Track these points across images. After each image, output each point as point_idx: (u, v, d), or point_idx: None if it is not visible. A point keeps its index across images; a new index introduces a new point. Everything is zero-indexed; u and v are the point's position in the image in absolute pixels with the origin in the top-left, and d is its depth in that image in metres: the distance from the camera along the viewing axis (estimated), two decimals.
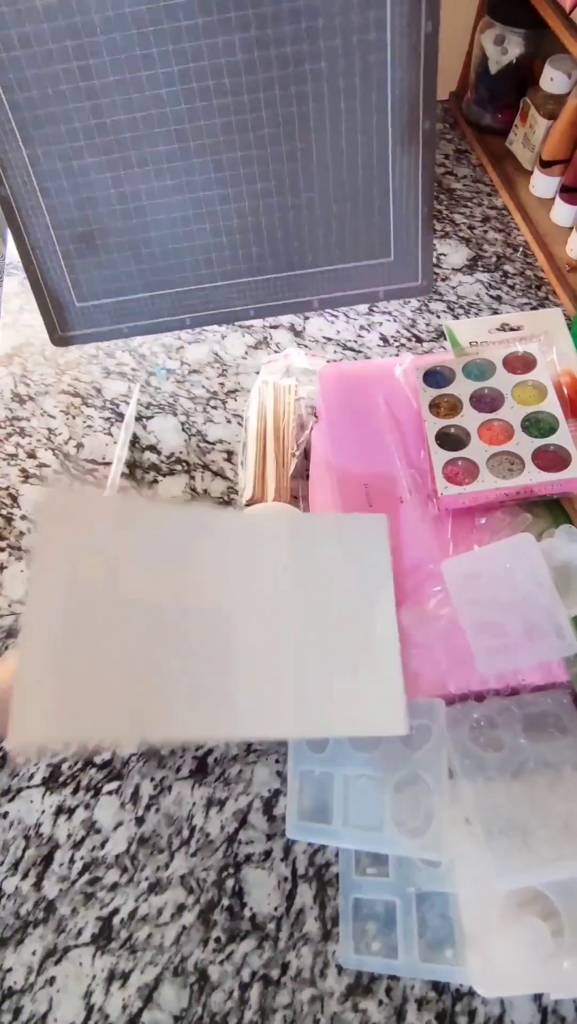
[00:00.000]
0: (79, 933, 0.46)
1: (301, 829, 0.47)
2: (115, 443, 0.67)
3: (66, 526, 0.45)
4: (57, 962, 0.45)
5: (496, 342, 0.70)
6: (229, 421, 0.69)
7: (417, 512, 0.59)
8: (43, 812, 0.50)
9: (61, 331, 0.72)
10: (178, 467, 0.66)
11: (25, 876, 0.48)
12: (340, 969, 0.44)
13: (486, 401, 0.65)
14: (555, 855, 0.43)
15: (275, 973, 0.44)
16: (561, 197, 0.80)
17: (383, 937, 0.45)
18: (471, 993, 0.43)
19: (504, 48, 0.83)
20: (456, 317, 0.75)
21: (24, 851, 0.49)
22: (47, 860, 0.48)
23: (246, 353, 0.73)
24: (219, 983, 0.44)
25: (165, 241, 0.66)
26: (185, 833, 0.49)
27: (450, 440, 0.63)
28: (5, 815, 0.50)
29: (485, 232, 0.83)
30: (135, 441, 0.67)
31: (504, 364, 0.66)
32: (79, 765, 0.51)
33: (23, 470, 0.66)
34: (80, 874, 0.48)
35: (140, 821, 0.50)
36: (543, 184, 0.83)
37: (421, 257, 0.57)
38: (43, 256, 0.66)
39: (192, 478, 0.65)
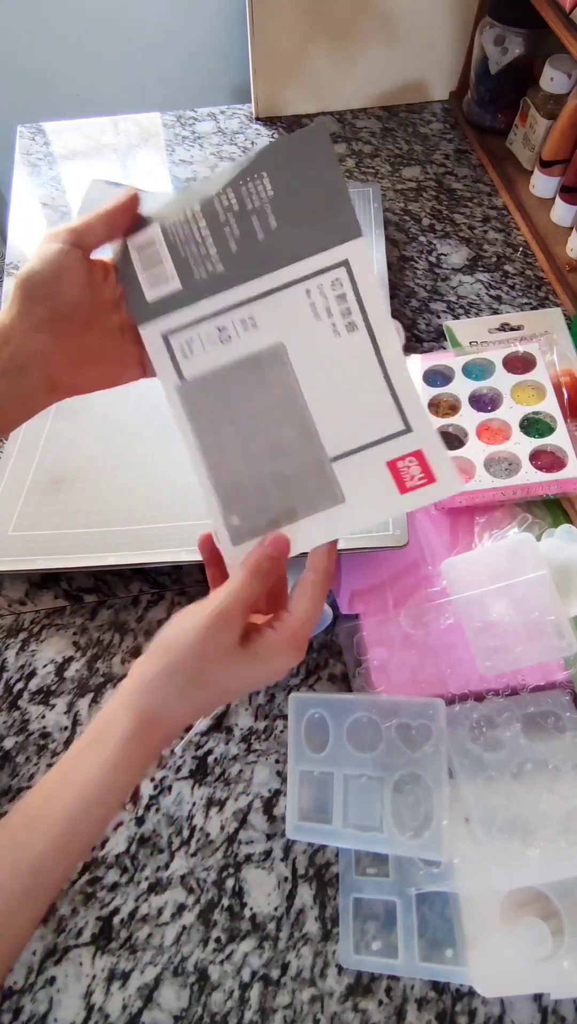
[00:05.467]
0: (79, 933, 0.46)
1: (301, 829, 0.47)
2: None
3: None
4: (57, 962, 0.45)
5: (496, 342, 0.70)
6: None
7: (416, 512, 0.59)
8: None
9: None
10: None
11: None
12: (340, 969, 0.44)
13: (485, 401, 0.65)
14: (555, 855, 0.44)
15: (275, 973, 0.44)
16: (561, 197, 0.80)
17: (383, 937, 0.45)
18: (471, 993, 0.43)
19: (504, 48, 0.83)
20: (456, 317, 0.75)
21: None
22: None
23: None
24: (219, 983, 0.44)
25: None
26: (185, 833, 0.49)
27: (448, 439, 0.63)
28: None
29: (485, 232, 0.83)
30: None
31: (504, 364, 0.66)
32: None
33: None
34: (80, 874, 0.48)
35: (140, 821, 0.50)
36: (543, 184, 0.83)
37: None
38: None
39: None
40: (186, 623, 0.35)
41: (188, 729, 0.53)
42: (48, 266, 0.36)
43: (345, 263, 0.36)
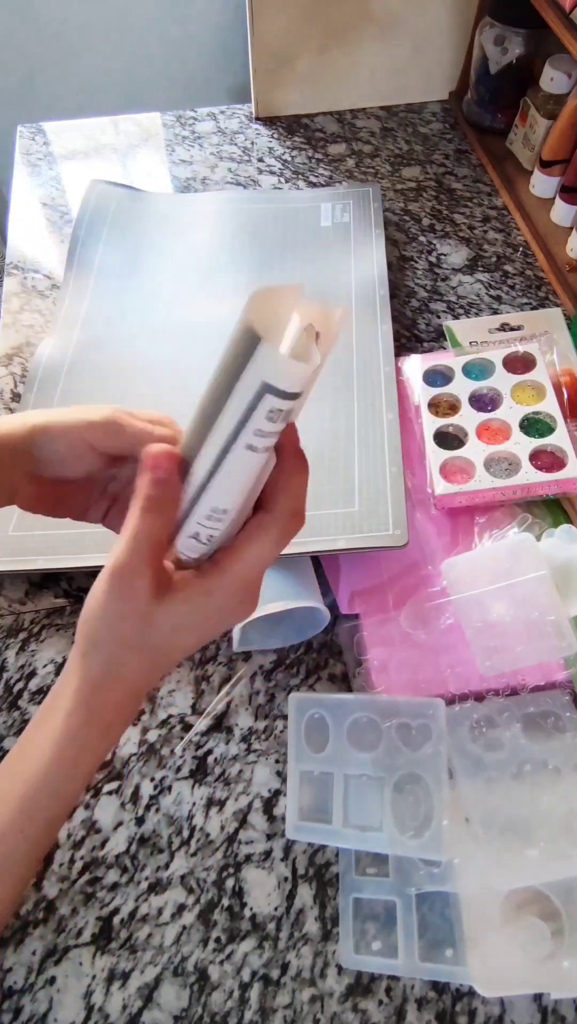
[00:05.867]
0: (79, 933, 0.46)
1: (301, 829, 0.47)
2: None
3: None
4: (57, 962, 0.45)
5: (496, 342, 0.70)
6: None
7: (416, 512, 0.59)
8: None
9: None
10: None
11: None
12: (340, 969, 0.44)
13: (485, 401, 0.65)
14: (555, 855, 0.44)
15: (275, 973, 0.44)
16: (561, 197, 0.80)
17: (383, 937, 0.45)
18: (471, 993, 0.43)
19: (504, 48, 0.83)
20: (456, 317, 0.75)
21: None
22: (47, 860, 0.48)
23: None
24: (219, 983, 0.44)
25: None
26: (185, 833, 0.49)
27: (448, 439, 0.63)
28: None
29: (485, 232, 0.83)
30: None
31: (504, 364, 0.66)
32: None
33: None
34: (80, 874, 0.48)
35: (140, 821, 0.50)
36: (543, 184, 0.83)
37: (392, 509, 0.55)
38: None
39: None
40: (94, 588, 0.32)
41: (188, 729, 0.53)
42: (64, 444, 0.35)
43: (265, 386, 0.24)
